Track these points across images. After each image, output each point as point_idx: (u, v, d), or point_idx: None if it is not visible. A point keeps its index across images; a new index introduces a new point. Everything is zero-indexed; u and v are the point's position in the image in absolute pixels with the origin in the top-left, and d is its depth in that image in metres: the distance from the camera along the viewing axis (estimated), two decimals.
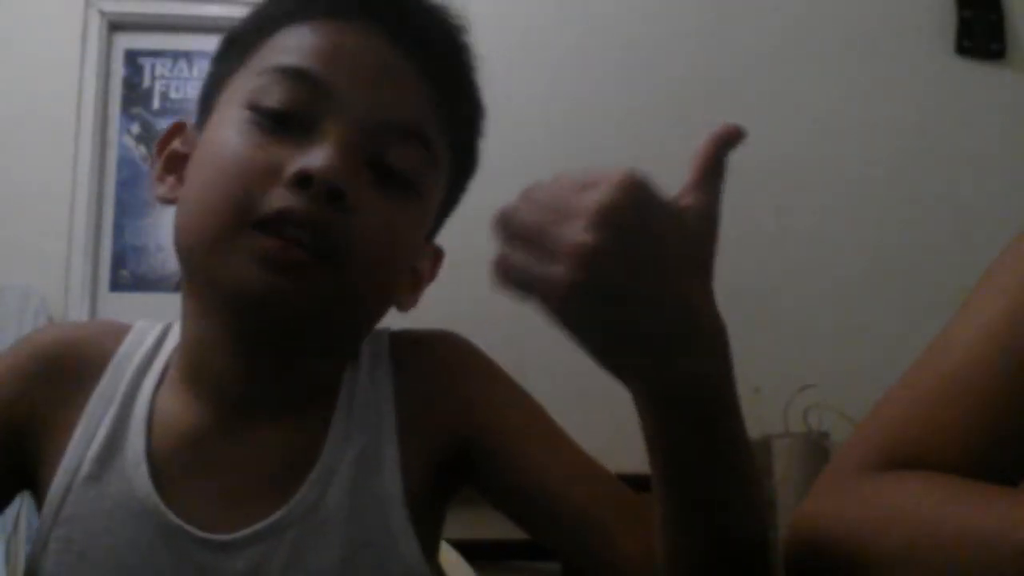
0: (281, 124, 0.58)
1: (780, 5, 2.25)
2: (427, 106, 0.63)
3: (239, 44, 0.65)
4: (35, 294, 1.96)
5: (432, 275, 0.70)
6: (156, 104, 2.17)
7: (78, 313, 2.02)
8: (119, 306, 2.05)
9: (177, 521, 0.58)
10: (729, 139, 0.48)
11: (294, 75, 0.59)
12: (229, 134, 0.59)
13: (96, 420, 0.62)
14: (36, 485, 0.63)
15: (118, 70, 2.17)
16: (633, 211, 0.42)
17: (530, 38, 2.17)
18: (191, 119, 0.68)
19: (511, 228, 0.45)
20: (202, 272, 0.60)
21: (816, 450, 1.71)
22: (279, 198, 0.56)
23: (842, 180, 2.16)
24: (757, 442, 1.71)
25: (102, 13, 2.16)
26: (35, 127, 2.08)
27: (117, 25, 2.18)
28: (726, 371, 0.47)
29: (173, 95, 2.17)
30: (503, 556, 1.76)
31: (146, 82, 2.18)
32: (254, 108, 0.59)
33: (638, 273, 0.42)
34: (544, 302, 0.44)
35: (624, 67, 2.20)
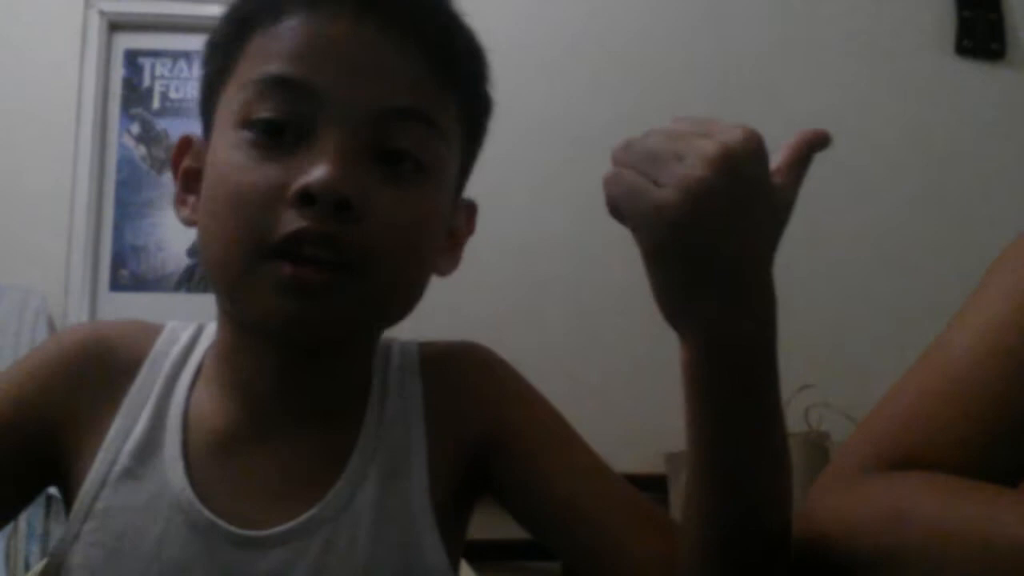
0: (276, 136, 0.57)
1: (780, 5, 2.25)
2: (422, 82, 0.60)
3: (221, 49, 0.63)
4: (35, 294, 1.96)
5: (470, 229, 0.69)
6: (156, 104, 2.17)
7: (78, 313, 2.02)
8: (119, 306, 2.05)
9: (212, 517, 0.59)
10: (819, 141, 0.51)
11: (277, 84, 0.58)
12: (228, 158, 0.59)
13: (133, 417, 0.62)
14: (67, 479, 0.63)
15: (118, 70, 2.17)
16: (750, 163, 0.45)
17: (529, 38, 2.17)
18: (195, 132, 0.67)
19: (632, 151, 0.47)
20: (229, 300, 0.60)
21: (816, 450, 1.71)
22: (288, 221, 0.55)
23: (842, 179, 2.16)
24: None
25: (102, 13, 2.16)
26: (35, 127, 2.08)
27: (117, 25, 2.18)
28: (775, 346, 0.48)
29: (173, 95, 2.18)
30: (503, 556, 1.76)
31: (146, 82, 2.18)
32: (246, 126, 0.58)
33: (735, 223, 0.44)
34: (643, 226, 0.46)
35: (623, 67, 2.20)
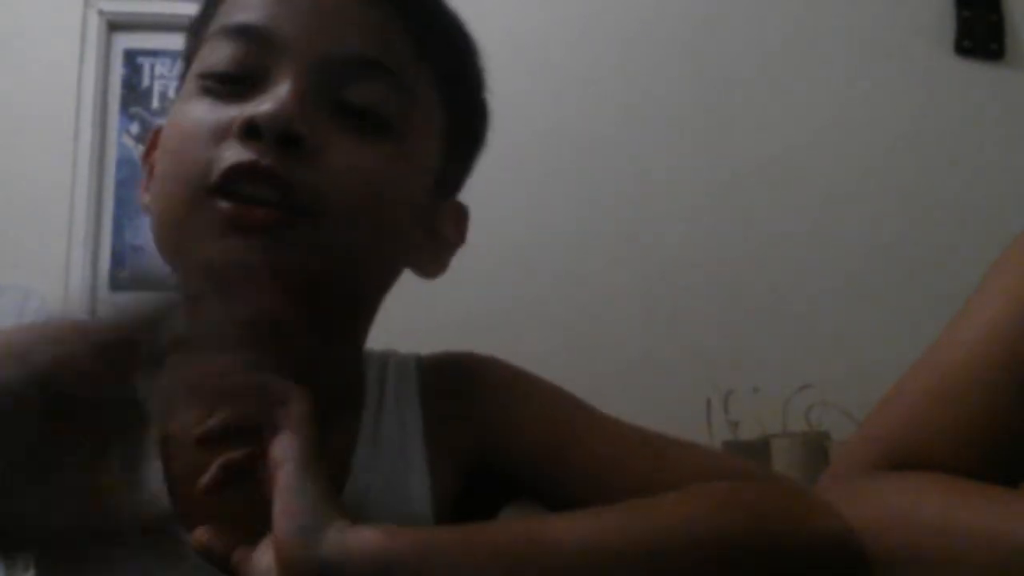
0: (234, 86, 0.54)
1: (780, 5, 2.25)
2: (389, 33, 0.57)
3: (194, 29, 0.62)
4: (35, 294, 1.96)
5: (459, 237, 0.64)
6: (155, 104, 2.17)
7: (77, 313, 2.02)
8: None
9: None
10: None
11: (237, 33, 0.55)
12: (183, 107, 0.56)
13: None
14: None
15: (117, 70, 2.17)
16: None
17: (527, 38, 2.17)
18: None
19: None
20: (177, 260, 0.56)
21: (816, 450, 1.71)
22: (230, 156, 0.51)
23: (842, 180, 2.16)
24: (757, 442, 1.71)
25: (101, 13, 2.15)
26: (34, 127, 2.08)
27: (116, 25, 2.18)
28: None
29: (172, 95, 2.18)
30: None
31: (145, 82, 2.18)
32: (204, 76, 0.56)
33: None
34: None
35: (623, 67, 2.20)
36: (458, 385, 0.64)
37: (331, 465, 0.57)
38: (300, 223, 0.51)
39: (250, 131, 0.51)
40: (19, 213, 2.04)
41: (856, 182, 2.17)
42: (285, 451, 0.49)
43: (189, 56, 0.62)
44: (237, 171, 0.51)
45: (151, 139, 0.64)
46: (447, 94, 0.61)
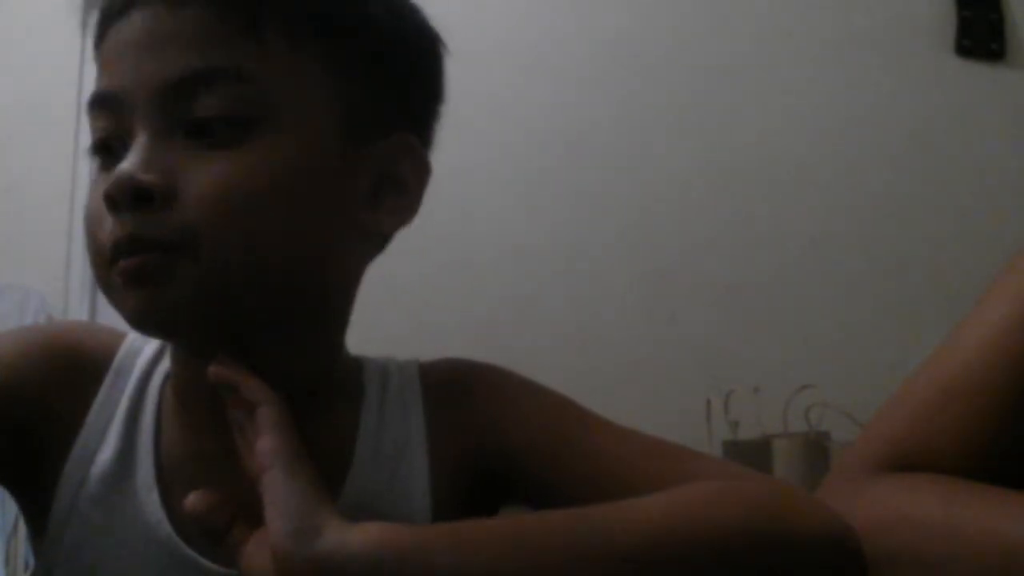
0: (109, 156, 0.55)
1: (778, 4, 2.25)
2: (224, 34, 0.54)
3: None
4: (35, 294, 1.96)
5: (419, 172, 0.61)
6: None
7: (78, 313, 2.02)
8: None
9: (191, 553, 0.56)
10: None
11: (95, 105, 0.56)
12: (90, 188, 0.57)
13: (99, 433, 0.59)
14: (32, 488, 0.59)
15: None
16: None
17: (526, 38, 2.17)
18: None
19: None
20: None
21: (816, 450, 1.71)
22: (108, 233, 0.53)
23: (842, 180, 2.16)
24: (757, 442, 1.71)
25: None
26: (35, 127, 2.08)
27: None
28: None
29: None
30: None
31: None
32: (92, 153, 0.57)
33: None
34: None
35: (620, 66, 2.20)
36: (460, 391, 0.64)
37: (330, 463, 0.57)
38: (179, 261, 0.52)
39: (110, 204, 0.52)
40: (19, 213, 2.04)
41: (856, 182, 2.17)
42: (268, 454, 0.50)
43: None
44: (119, 247, 0.52)
45: None
46: (327, 45, 0.57)
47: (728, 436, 1.78)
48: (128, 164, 0.52)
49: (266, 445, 0.50)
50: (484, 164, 1.99)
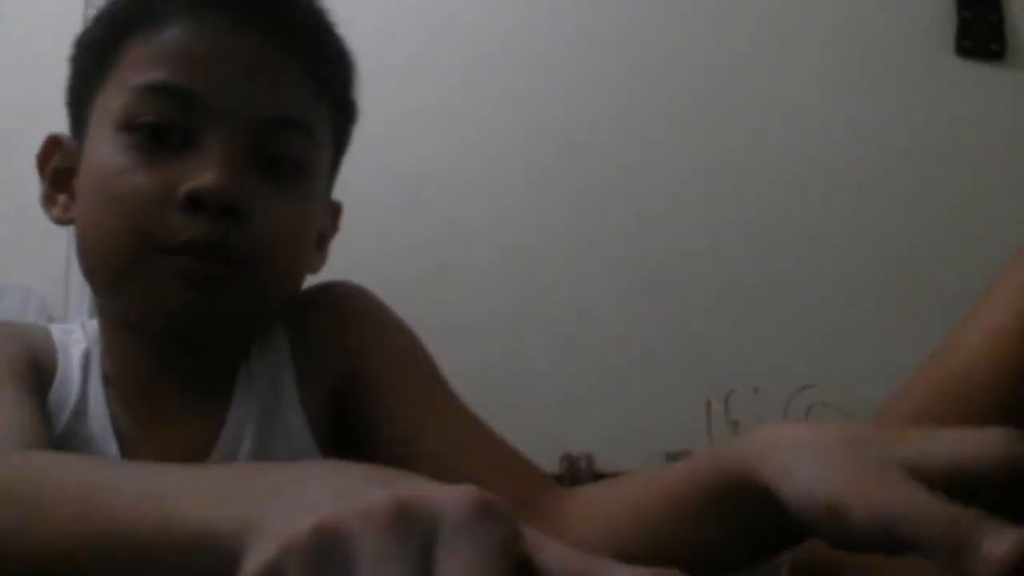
0: (158, 139, 0.59)
1: (779, 4, 2.25)
2: (301, 92, 0.64)
3: (94, 51, 0.65)
4: (35, 294, 1.96)
5: (335, 228, 0.73)
6: None
7: (78, 313, 2.01)
8: None
9: None
10: None
11: (160, 91, 0.60)
12: (111, 160, 0.60)
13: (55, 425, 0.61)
14: None
15: None
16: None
17: (525, 37, 2.17)
18: (63, 132, 0.69)
19: None
20: (114, 292, 0.63)
21: None
22: (178, 225, 0.58)
23: (842, 180, 2.16)
24: None
25: None
26: (35, 127, 2.08)
27: None
28: None
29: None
30: None
31: None
32: (128, 129, 0.60)
33: None
34: None
35: (620, 66, 2.20)
36: (323, 315, 0.68)
37: (215, 415, 0.63)
38: (240, 274, 0.60)
39: (194, 203, 0.57)
40: (19, 213, 2.04)
41: (856, 182, 2.17)
42: None
43: (85, 82, 0.65)
44: (191, 244, 0.58)
45: (47, 146, 0.72)
46: (337, 130, 0.69)
47: (728, 436, 1.79)
48: (221, 178, 0.57)
49: None
50: (484, 164, 1.99)
